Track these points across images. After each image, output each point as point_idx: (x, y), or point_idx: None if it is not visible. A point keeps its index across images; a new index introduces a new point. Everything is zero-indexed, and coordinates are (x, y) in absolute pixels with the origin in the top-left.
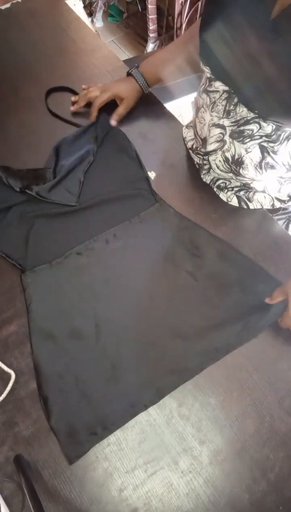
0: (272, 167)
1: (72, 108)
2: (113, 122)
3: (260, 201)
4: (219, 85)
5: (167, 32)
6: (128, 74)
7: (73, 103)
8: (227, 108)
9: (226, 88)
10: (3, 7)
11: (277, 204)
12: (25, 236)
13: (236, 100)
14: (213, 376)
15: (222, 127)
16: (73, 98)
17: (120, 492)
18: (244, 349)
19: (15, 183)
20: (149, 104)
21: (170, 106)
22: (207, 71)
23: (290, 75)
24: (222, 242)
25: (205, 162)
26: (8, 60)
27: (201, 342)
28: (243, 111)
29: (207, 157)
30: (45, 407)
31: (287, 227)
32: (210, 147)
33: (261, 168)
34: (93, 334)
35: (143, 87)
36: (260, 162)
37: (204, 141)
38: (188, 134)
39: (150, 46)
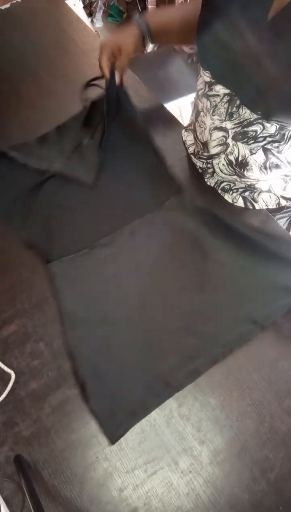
0: (277, 166)
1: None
2: (117, 78)
3: (265, 200)
4: (219, 89)
5: None
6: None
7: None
8: (229, 110)
9: (227, 91)
10: (2, 7)
11: (283, 203)
12: (49, 227)
13: (238, 102)
14: (213, 376)
15: (225, 130)
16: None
17: (120, 492)
18: (244, 349)
19: (34, 162)
20: (148, 104)
21: (170, 106)
22: (207, 75)
23: (289, 75)
24: (250, 227)
25: (208, 166)
26: (8, 60)
27: (235, 322)
28: (246, 113)
29: (210, 160)
30: (84, 391)
31: (289, 226)
32: (212, 151)
33: (266, 168)
34: (125, 319)
35: (144, 33)
36: (265, 163)
37: (205, 145)
38: (188, 138)
39: (150, 46)
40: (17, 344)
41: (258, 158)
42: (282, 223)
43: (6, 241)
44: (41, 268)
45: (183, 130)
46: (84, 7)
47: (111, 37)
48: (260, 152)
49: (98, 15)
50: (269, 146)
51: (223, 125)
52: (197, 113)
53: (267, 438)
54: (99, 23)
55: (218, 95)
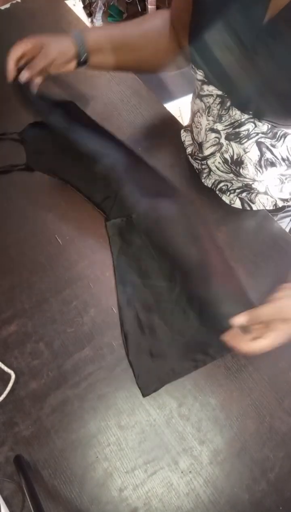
0: (272, 164)
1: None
2: (25, 74)
3: (262, 202)
4: (212, 89)
5: None
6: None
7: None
8: (220, 112)
9: (219, 92)
10: (2, 7)
11: (280, 204)
12: (108, 186)
13: (228, 104)
14: (213, 376)
15: (217, 131)
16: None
17: (120, 492)
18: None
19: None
20: (148, 104)
21: (170, 106)
22: (200, 74)
23: (287, 76)
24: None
25: (203, 166)
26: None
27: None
28: (236, 114)
29: (205, 161)
30: (126, 342)
31: None
32: (206, 152)
33: (261, 166)
34: (170, 286)
35: (79, 47)
36: (260, 161)
37: (200, 145)
38: (187, 138)
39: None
40: (17, 344)
41: (252, 156)
42: (285, 222)
43: (6, 241)
44: (41, 268)
45: (182, 130)
46: (84, 7)
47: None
48: (254, 148)
49: (98, 15)
50: (262, 140)
51: (215, 126)
52: (192, 114)
53: (267, 438)
54: (99, 23)
55: (211, 95)
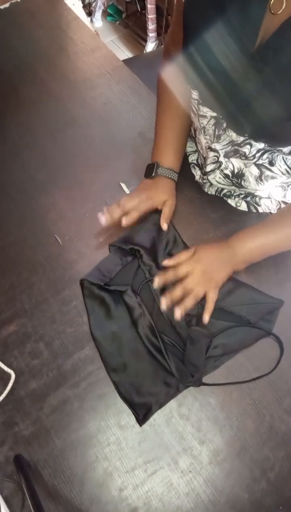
0: (273, 177)
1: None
2: (165, 225)
3: (267, 205)
4: (207, 111)
5: (166, 32)
6: (151, 173)
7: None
8: (217, 133)
9: (214, 114)
10: (2, 7)
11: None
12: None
13: (224, 125)
14: (213, 376)
15: (215, 150)
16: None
17: (120, 491)
18: (244, 349)
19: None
20: (148, 104)
21: None
22: (195, 94)
23: (278, 101)
24: None
25: (204, 181)
26: (7, 60)
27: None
28: (232, 135)
29: (206, 176)
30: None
31: None
32: (207, 168)
33: (261, 180)
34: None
35: (174, 179)
36: (260, 176)
37: (205, 160)
38: (188, 144)
39: (149, 46)
40: (17, 344)
41: (252, 171)
42: None
43: (6, 241)
44: (41, 268)
45: None
46: (84, 7)
47: (153, 194)
48: (253, 166)
49: (98, 14)
50: (260, 162)
51: (212, 146)
52: (194, 130)
53: (267, 438)
54: (98, 23)
55: (205, 117)
